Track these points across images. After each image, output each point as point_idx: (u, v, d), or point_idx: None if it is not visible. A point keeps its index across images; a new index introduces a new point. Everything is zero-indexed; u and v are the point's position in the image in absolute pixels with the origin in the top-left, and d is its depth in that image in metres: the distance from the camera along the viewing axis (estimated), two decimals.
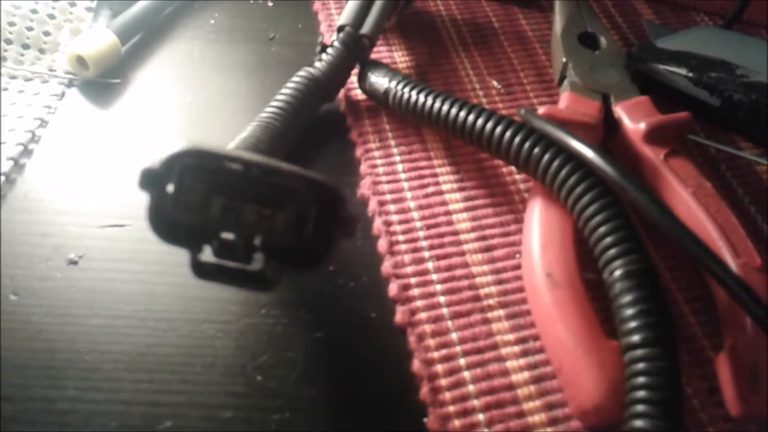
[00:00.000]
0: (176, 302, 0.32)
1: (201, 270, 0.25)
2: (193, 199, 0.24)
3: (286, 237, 0.24)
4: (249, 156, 0.24)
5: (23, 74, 0.42)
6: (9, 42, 0.43)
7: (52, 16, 0.45)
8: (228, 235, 0.24)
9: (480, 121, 0.33)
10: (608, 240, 0.28)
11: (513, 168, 0.38)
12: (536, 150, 0.32)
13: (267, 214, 0.24)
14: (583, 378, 0.27)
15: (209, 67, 0.45)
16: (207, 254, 0.24)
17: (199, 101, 0.42)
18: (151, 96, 0.42)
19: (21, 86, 0.41)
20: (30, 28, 0.44)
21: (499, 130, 0.33)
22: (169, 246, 0.25)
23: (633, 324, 0.26)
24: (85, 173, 0.37)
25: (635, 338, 0.26)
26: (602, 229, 0.29)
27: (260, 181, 0.24)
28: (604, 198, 0.29)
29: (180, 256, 0.33)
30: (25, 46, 0.44)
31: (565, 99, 0.38)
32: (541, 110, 0.35)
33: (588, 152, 0.29)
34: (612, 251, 0.28)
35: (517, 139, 0.32)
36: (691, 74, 0.40)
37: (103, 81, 0.42)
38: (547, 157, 0.31)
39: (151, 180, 0.24)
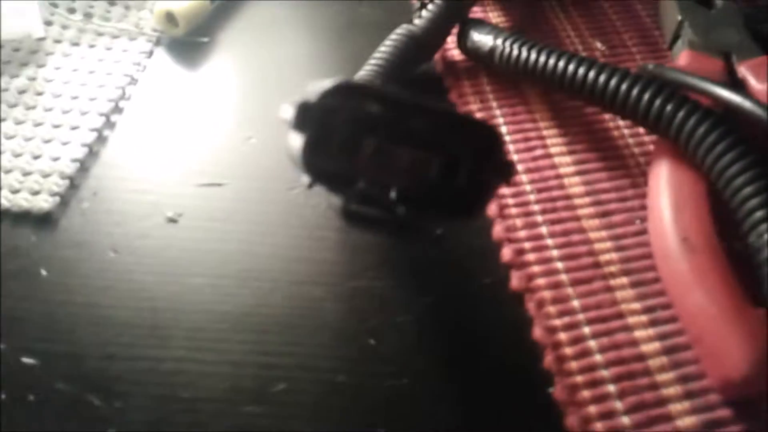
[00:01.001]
0: (278, 264, 0.31)
1: (350, 216, 0.23)
2: (344, 140, 0.22)
3: (440, 183, 0.22)
4: (402, 94, 0.22)
5: (110, 31, 0.41)
6: None
7: None
8: (378, 180, 0.22)
9: (603, 77, 0.31)
10: (755, 201, 0.26)
11: (625, 131, 0.36)
12: (669, 107, 0.29)
13: (420, 158, 0.22)
14: (729, 347, 0.25)
15: (295, 28, 0.43)
16: (355, 200, 0.23)
17: (286, 63, 0.41)
18: (238, 56, 0.41)
19: (109, 43, 0.40)
20: None
21: (625, 86, 0.30)
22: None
23: None
24: (177, 132, 0.36)
25: None
26: (748, 190, 0.27)
27: (414, 121, 0.22)
28: (748, 157, 0.27)
29: (280, 215, 0.32)
30: (112, 2, 0.43)
31: (685, 57, 0.35)
32: None
33: (746, 102, 0.27)
34: (760, 213, 0.26)
35: (647, 95, 0.30)
36: None
37: (191, 39, 0.41)
38: (681, 114, 0.29)
39: (306, 116, 0.22)
